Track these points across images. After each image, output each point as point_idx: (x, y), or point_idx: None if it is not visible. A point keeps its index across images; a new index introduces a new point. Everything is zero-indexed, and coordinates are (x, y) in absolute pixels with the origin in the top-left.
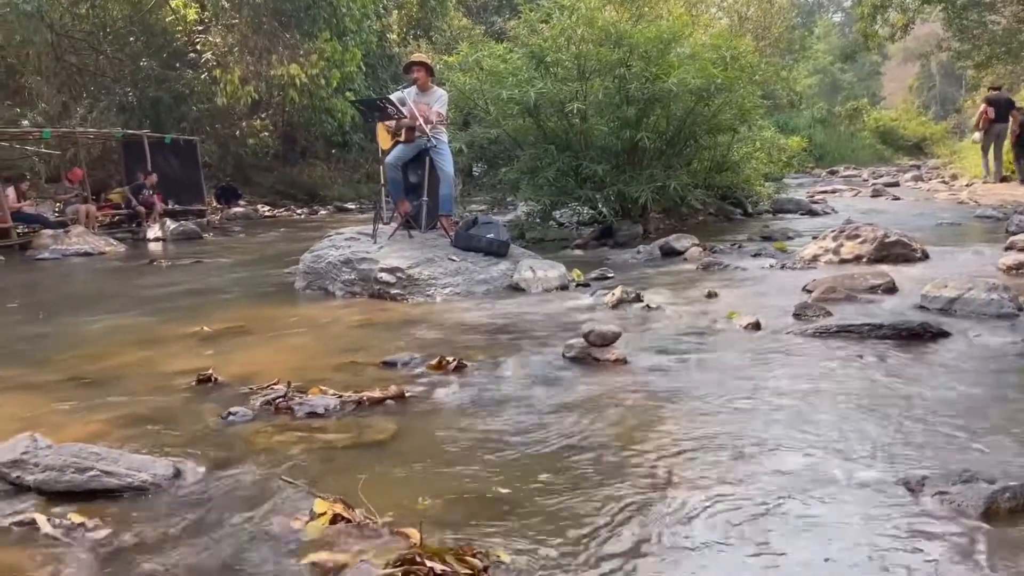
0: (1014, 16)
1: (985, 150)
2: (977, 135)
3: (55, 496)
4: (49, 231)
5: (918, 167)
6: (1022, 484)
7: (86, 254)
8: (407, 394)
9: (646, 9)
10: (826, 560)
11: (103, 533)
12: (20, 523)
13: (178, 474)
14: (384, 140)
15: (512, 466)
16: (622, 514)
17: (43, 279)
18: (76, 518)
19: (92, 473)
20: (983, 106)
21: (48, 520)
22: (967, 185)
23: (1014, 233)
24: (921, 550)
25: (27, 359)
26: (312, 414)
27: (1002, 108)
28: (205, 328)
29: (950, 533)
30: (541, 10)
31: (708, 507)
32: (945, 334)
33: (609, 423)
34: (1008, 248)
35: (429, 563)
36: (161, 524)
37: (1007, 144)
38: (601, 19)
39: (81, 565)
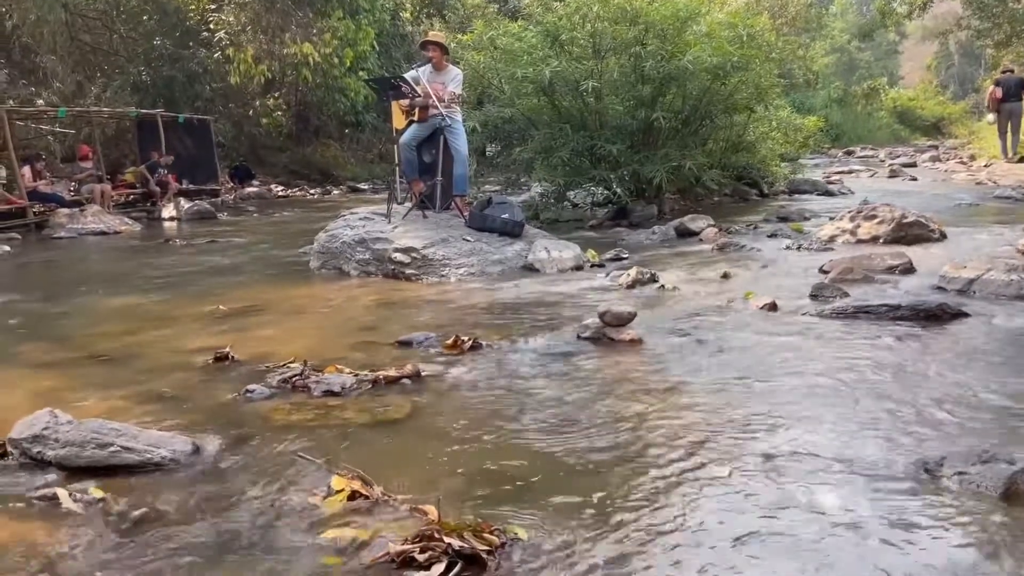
0: None
1: (1001, 130)
2: (991, 116)
3: (75, 471)
4: (65, 210)
5: (936, 147)
6: None
7: (101, 233)
8: (423, 373)
9: None
10: (844, 532)
11: (123, 508)
12: (42, 497)
13: (197, 450)
14: (398, 120)
15: (528, 445)
16: (638, 494)
17: (60, 258)
18: (97, 493)
19: (112, 449)
20: (992, 87)
21: (70, 495)
22: (985, 165)
23: None
24: (940, 530)
25: (46, 336)
26: (329, 392)
27: (1012, 89)
28: (221, 307)
29: (969, 513)
30: None
31: (726, 488)
32: (963, 315)
33: (625, 403)
34: None
35: (447, 539)
36: (180, 500)
37: None
38: None
39: (102, 539)
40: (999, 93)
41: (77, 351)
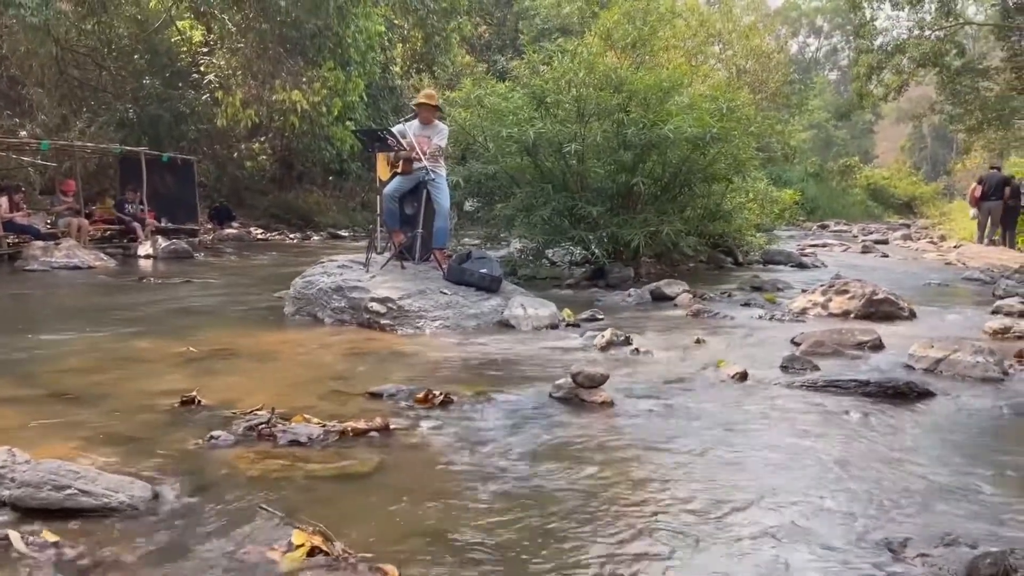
0: (1007, 84)
1: (982, 226)
2: (972, 211)
3: (29, 512)
4: (39, 242)
5: (908, 226)
6: (1003, 551)
7: (75, 267)
8: (392, 427)
9: (647, 57)
10: None
11: (76, 553)
12: None
13: (156, 496)
14: (383, 171)
15: (495, 506)
16: (601, 560)
17: (30, 291)
18: (50, 536)
19: (69, 491)
20: (974, 184)
21: (21, 537)
22: (955, 247)
23: (1001, 297)
24: None
25: (9, 372)
26: (295, 442)
27: (992, 187)
28: (191, 349)
29: None
30: (544, 52)
31: (686, 560)
32: (930, 394)
33: (593, 467)
34: (994, 312)
35: None
36: (136, 547)
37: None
38: (602, 64)
39: None
40: (978, 191)
41: (40, 388)
